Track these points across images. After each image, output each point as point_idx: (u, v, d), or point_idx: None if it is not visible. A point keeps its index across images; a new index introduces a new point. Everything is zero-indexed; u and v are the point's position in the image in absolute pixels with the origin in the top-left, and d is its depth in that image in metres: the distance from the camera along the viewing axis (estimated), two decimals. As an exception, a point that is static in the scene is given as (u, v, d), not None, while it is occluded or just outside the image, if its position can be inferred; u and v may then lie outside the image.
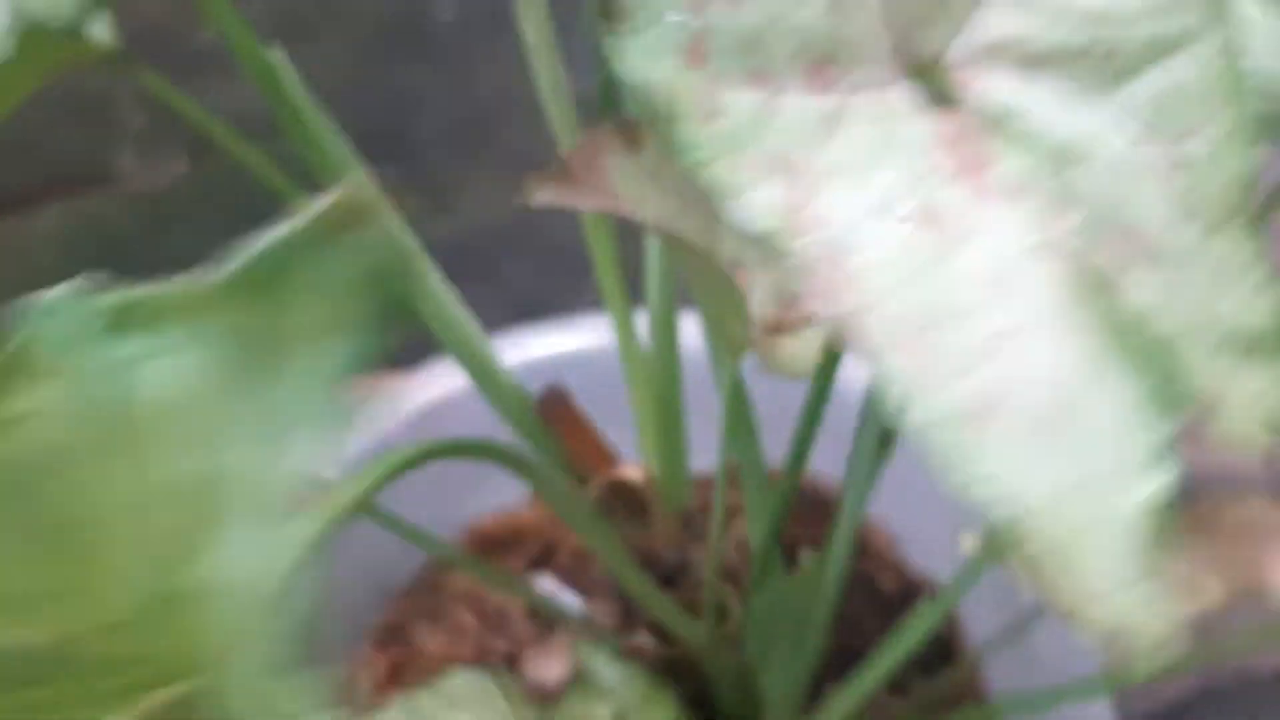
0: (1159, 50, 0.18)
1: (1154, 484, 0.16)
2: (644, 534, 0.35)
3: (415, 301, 0.31)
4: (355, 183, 0.20)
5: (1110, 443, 0.16)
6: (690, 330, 0.33)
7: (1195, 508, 0.25)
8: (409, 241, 0.31)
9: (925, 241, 0.17)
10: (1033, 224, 0.17)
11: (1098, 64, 0.18)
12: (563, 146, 0.31)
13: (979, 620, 0.41)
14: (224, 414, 0.19)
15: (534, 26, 0.30)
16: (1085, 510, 0.16)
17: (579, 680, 0.34)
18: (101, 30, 0.29)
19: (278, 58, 0.28)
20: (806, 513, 0.41)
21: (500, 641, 0.41)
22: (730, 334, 0.26)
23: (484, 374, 0.33)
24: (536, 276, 0.70)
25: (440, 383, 0.42)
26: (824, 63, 0.18)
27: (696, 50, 0.18)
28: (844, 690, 0.35)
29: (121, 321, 0.21)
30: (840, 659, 0.37)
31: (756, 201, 0.17)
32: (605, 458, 0.35)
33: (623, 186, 0.23)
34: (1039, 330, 0.17)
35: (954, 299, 0.17)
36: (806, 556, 0.39)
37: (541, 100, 0.31)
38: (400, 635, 0.42)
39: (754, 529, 0.32)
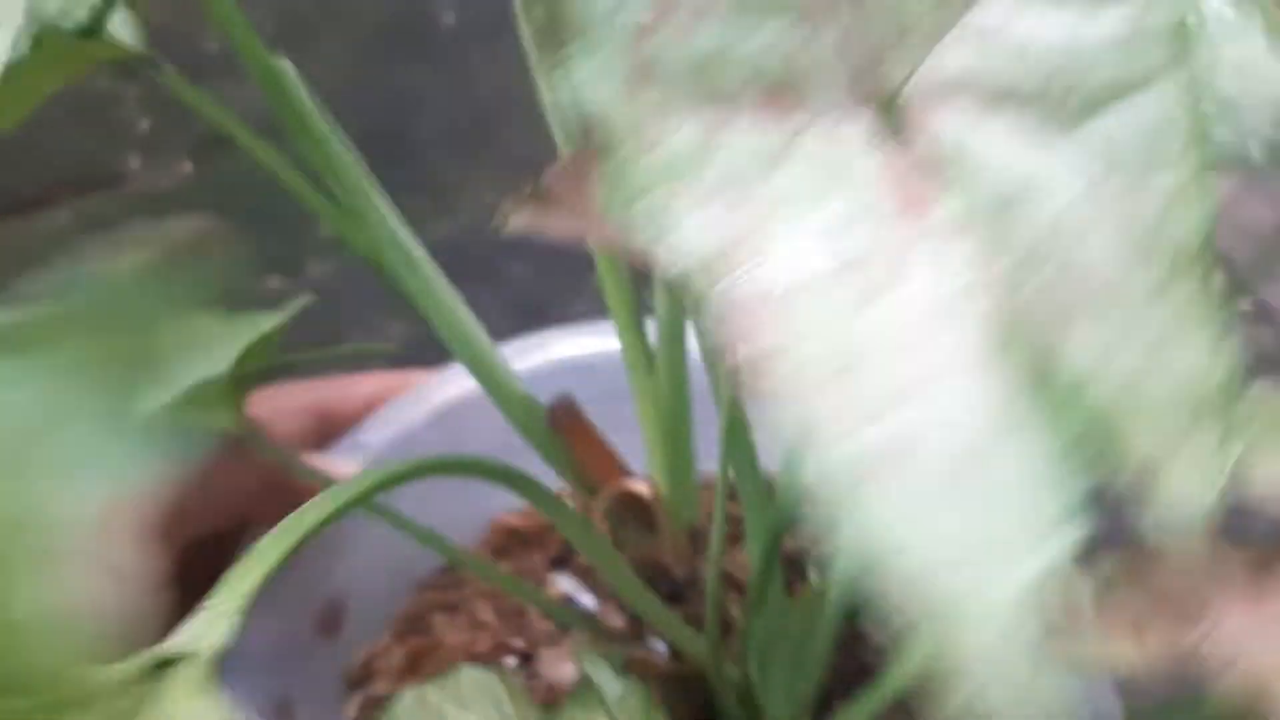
0: (1121, 89, 0.17)
1: (1056, 548, 0.15)
2: (652, 548, 0.35)
3: (422, 308, 0.31)
4: (190, 224, 0.20)
5: (1017, 501, 0.16)
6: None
7: (1132, 560, 0.25)
8: (416, 249, 0.31)
9: (855, 282, 0.16)
10: (969, 267, 0.17)
11: (1057, 102, 0.18)
12: (562, 149, 0.30)
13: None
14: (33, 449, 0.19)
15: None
16: (977, 572, 0.15)
17: (581, 690, 0.34)
18: (124, 31, 0.29)
19: (283, 64, 0.28)
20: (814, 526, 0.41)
21: (518, 639, 0.41)
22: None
23: (493, 382, 0.33)
24: (537, 278, 0.71)
25: (466, 379, 0.42)
26: (778, 93, 0.17)
27: (642, 75, 0.17)
28: (850, 708, 0.34)
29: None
30: (847, 675, 0.37)
31: (688, 235, 0.16)
32: (615, 469, 0.34)
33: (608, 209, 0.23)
34: (958, 378, 0.16)
35: (875, 342, 0.16)
36: (811, 572, 0.39)
37: (541, 102, 0.31)
38: (420, 626, 0.42)
39: (753, 547, 0.32)
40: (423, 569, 0.43)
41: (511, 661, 0.41)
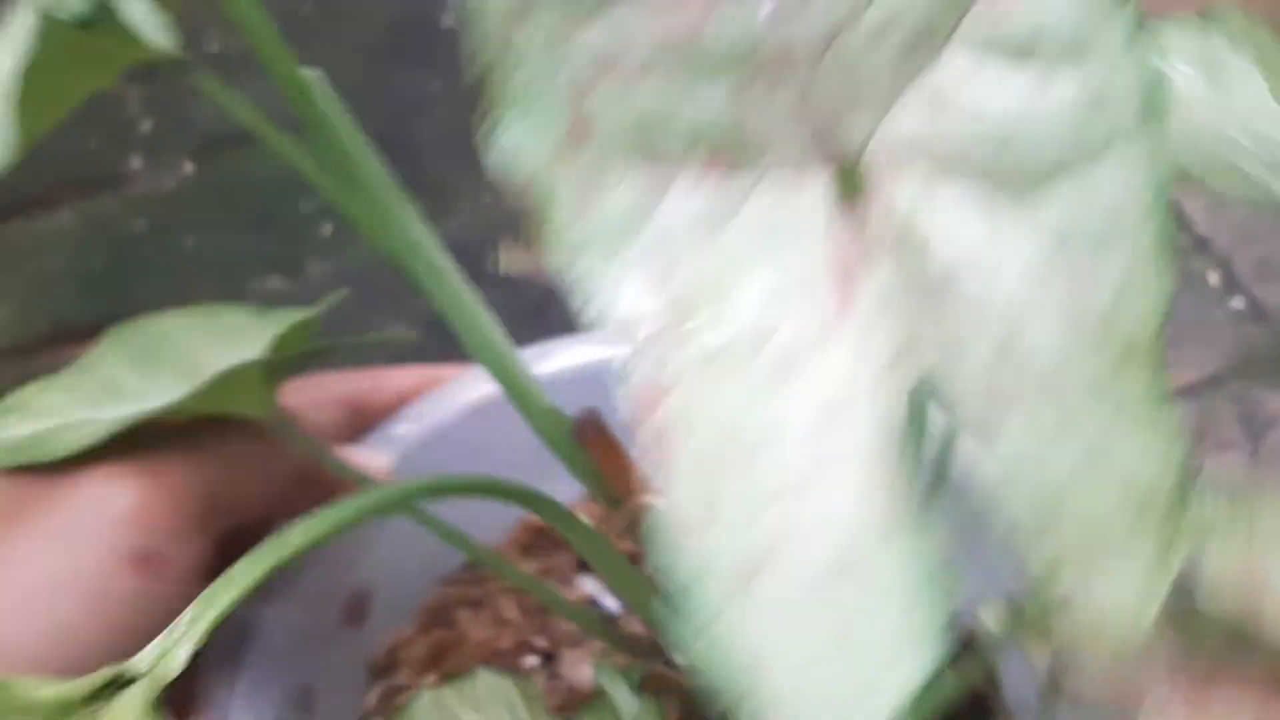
0: (1075, 159, 0.16)
1: (916, 667, 0.14)
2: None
3: (444, 314, 0.31)
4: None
5: (883, 616, 0.15)
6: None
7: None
8: (440, 256, 0.31)
9: (768, 362, 0.16)
10: (891, 351, 0.16)
11: (1010, 171, 0.16)
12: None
13: (1022, 681, 0.38)
14: None
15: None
16: (834, 690, 0.14)
17: (596, 704, 0.34)
18: (156, 32, 0.29)
19: (310, 72, 0.28)
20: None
21: (541, 638, 0.41)
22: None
23: (516, 391, 0.32)
24: (534, 277, 0.71)
25: None
26: (725, 153, 0.16)
27: (580, 133, 0.16)
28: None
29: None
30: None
31: (618, 302, 0.16)
32: (638, 483, 0.34)
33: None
34: (848, 474, 0.15)
35: (773, 431, 0.15)
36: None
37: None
38: (444, 620, 0.42)
39: None
40: (449, 563, 0.43)
41: (533, 660, 0.41)
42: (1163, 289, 0.16)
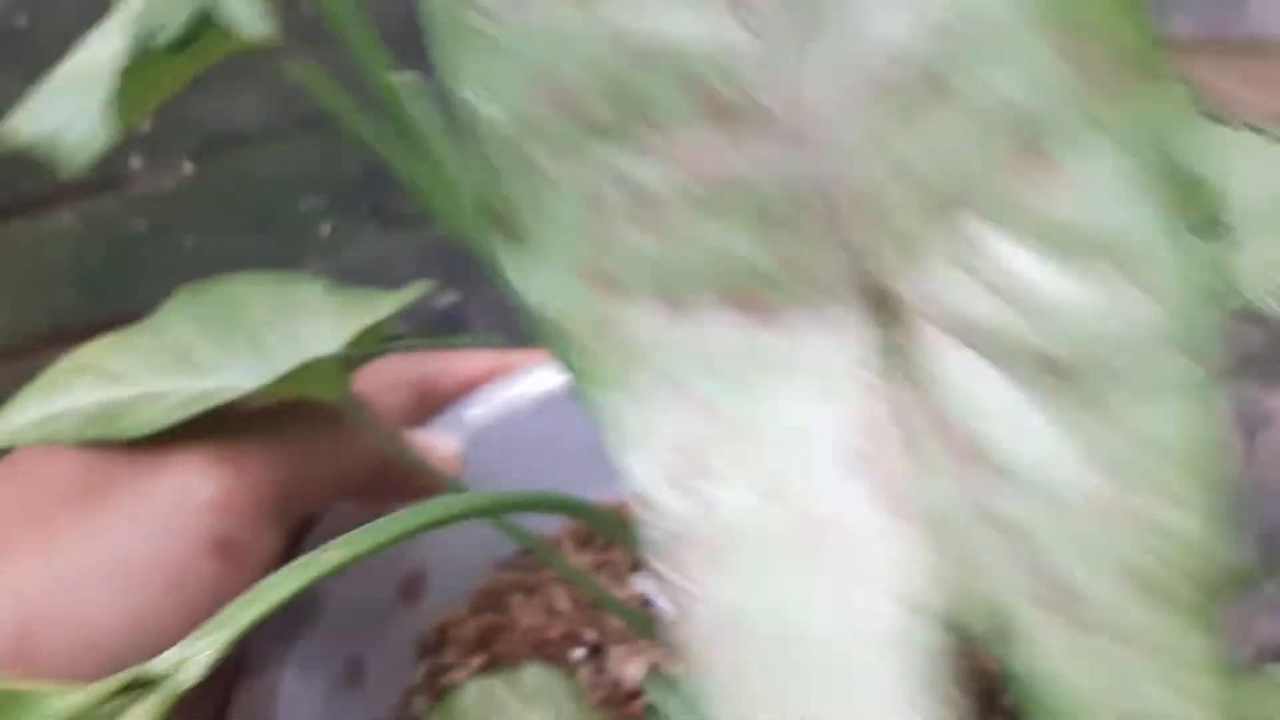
0: (1139, 387, 0.15)
1: None
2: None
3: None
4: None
5: None
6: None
7: None
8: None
9: (796, 543, 0.15)
10: (922, 553, 0.15)
11: (1069, 378, 0.15)
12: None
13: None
14: None
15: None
16: None
17: (648, 711, 0.34)
18: (254, 20, 0.29)
19: (403, 77, 0.29)
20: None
21: (591, 630, 0.41)
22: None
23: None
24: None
25: None
26: (748, 292, 0.16)
27: (596, 270, 0.16)
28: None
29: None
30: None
31: (639, 439, 0.16)
32: None
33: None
34: (878, 684, 0.14)
35: (789, 625, 0.15)
36: None
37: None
38: (497, 604, 0.42)
39: None
40: (506, 548, 0.43)
41: (580, 653, 0.41)
42: (1217, 537, 0.15)
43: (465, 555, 0.42)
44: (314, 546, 0.34)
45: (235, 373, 0.35)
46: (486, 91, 0.15)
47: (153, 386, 0.34)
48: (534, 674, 0.34)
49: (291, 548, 0.35)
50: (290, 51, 0.28)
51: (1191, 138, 0.14)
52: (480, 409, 0.41)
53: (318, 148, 0.82)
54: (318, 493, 0.35)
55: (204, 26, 0.26)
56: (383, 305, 0.35)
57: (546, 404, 0.41)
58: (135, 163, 0.80)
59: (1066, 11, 0.14)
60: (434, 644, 0.42)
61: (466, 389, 0.41)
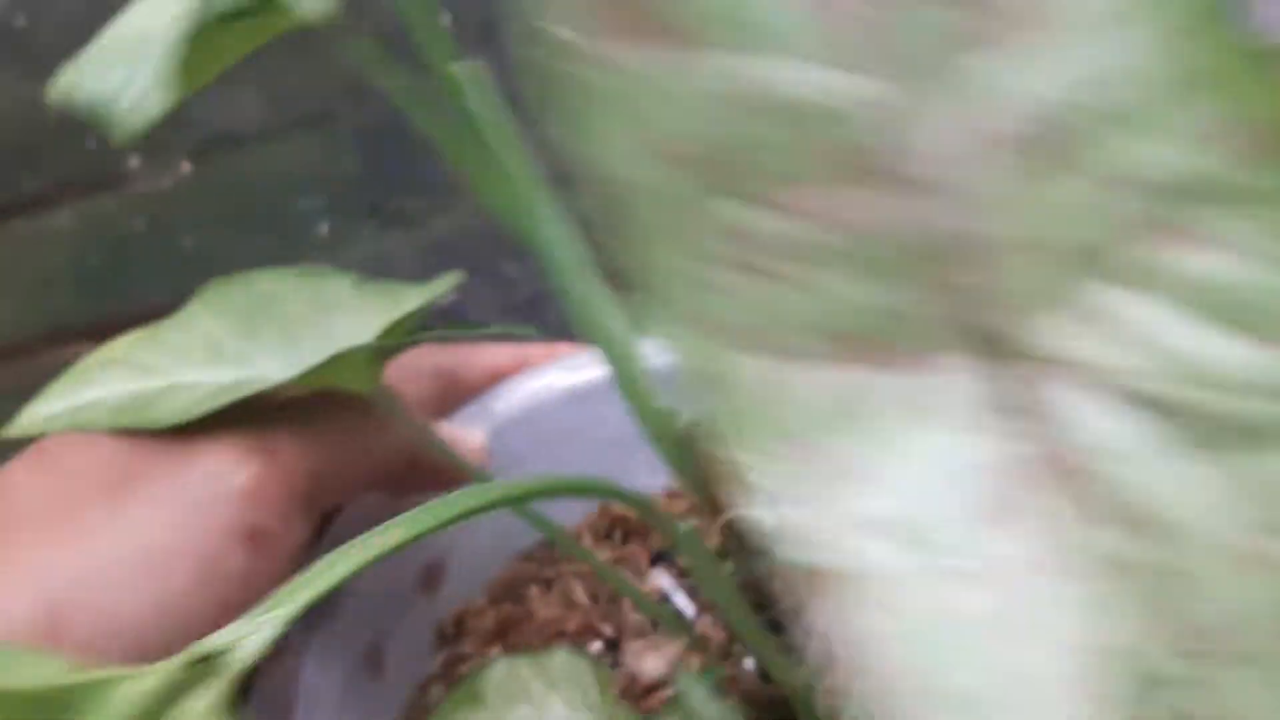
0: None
1: None
2: (763, 575, 0.35)
3: (569, 301, 0.31)
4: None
5: None
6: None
7: None
8: (577, 248, 0.31)
9: (952, 598, 0.15)
10: (1085, 603, 0.14)
11: (1218, 430, 0.15)
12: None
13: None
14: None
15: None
16: None
17: (672, 702, 0.34)
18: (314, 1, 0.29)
19: (466, 67, 0.29)
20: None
21: (608, 625, 0.42)
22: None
23: (630, 387, 0.32)
24: (531, 276, 0.71)
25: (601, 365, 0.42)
26: (876, 337, 0.15)
27: (722, 323, 0.16)
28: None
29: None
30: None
31: (770, 488, 0.15)
32: (740, 493, 0.34)
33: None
34: None
35: (963, 685, 0.14)
36: None
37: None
38: (515, 595, 0.43)
39: None
40: (526, 539, 0.44)
41: (597, 646, 0.42)
42: None
43: (484, 546, 0.43)
44: (338, 537, 0.34)
45: (266, 364, 0.35)
46: (609, 150, 0.15)
47: (183, 377, 0.35)
48: (561, 658, 0.35)
49: (316, 538, 0.35)
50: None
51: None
52: (505, 401, 0.41)
53: (316, 147, 0.82)
54: (348, 484, 0.35)
55: (263, 2, 0.26)
56: (412, 297, 0.35)
57: (572, 397, 0.42)
58: (133, 162, 0.80)
59: (1220, 79, 0.14)
60: (452, 634, 0.42)
61: (488, 381, 0.41)
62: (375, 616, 0.39)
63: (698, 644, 0.38)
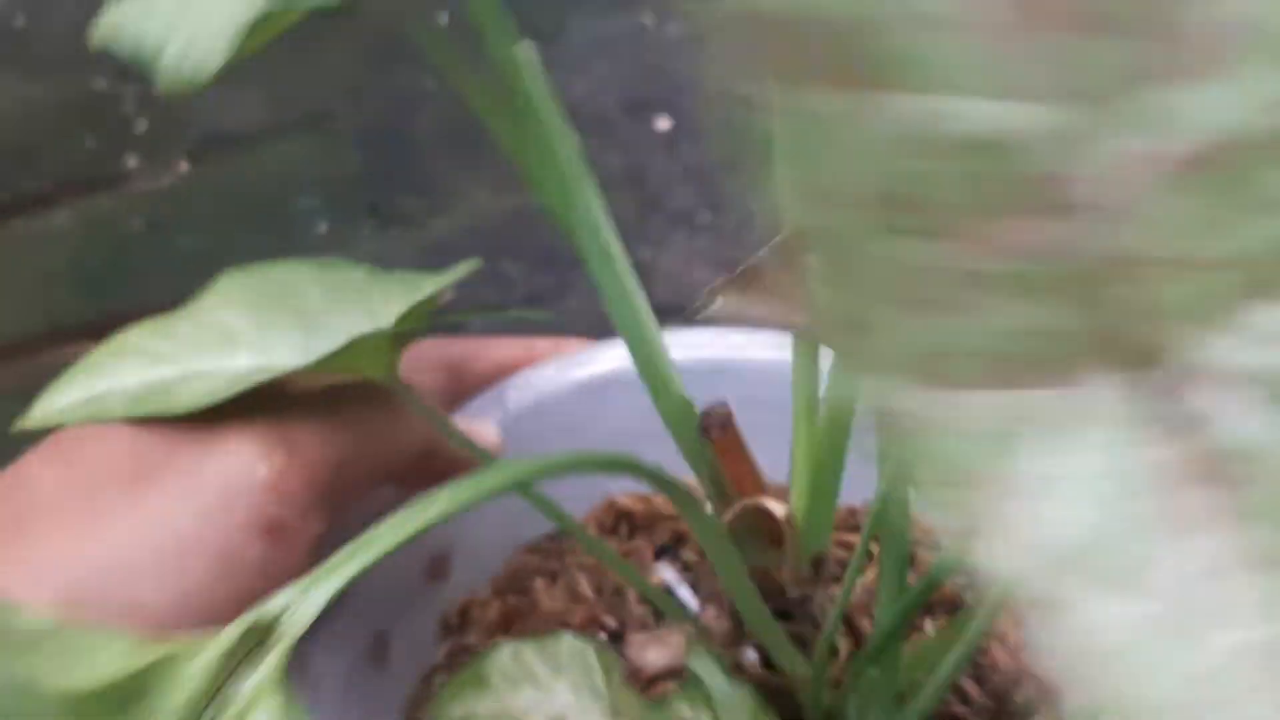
0: None
1: None
2: (773, 564, 0.35)
3: (599, 287, 0.31)
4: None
5: None
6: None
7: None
8: (611, 236, 0.31)
9: (1154, 612, 0.14)
10: (1266, 609, 0.14)
11: None
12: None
13: None
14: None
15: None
16: None
17: (687, 684, 0.34)
18: None
19: (526, 50, 0.28)
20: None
21: (611, 617, 0.42)
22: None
23: (653, 375, 0.32)
24: (530, 276, 0.71)
25: (611, 358, 0.42)
26: (1018, 364, 0.15)
27: (889, 357, 0.16)
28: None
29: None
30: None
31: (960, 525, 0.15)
32: (756, 486, 0.34)
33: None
34: None
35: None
36: (929, 628, 0.40)
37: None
38: (520, 586, 0.43)
39: (882, 611, 0.32)
40: (531, 531, 0.44)
41: (601, 638, 0.42)
42: None
43: (490, 538, 0.43)
44: (353, 528, 0.34)
45: (283, 351, 0.35)
46: (791, 196, 0.15)
47: (200, 366, 0.35)
48: (567, 642, 0.35)
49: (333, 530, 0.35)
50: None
51: None
52: (518, 392, 0.41)
53: (314, 147, 0.83)
54: (368, 477, 0.35)
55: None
56: (428, 284, 0.35)
57: (582, 390, 0.42)
58: (132, 162, 0.81)
59: None
60: (456, 625, 0.42)
61: (497, 374, 0.42)
62: (381, 607, 0.39)
63: (703, 634, 0.39)
